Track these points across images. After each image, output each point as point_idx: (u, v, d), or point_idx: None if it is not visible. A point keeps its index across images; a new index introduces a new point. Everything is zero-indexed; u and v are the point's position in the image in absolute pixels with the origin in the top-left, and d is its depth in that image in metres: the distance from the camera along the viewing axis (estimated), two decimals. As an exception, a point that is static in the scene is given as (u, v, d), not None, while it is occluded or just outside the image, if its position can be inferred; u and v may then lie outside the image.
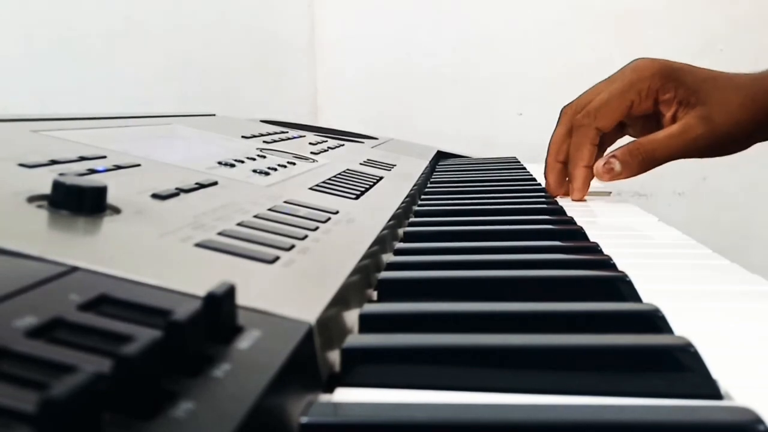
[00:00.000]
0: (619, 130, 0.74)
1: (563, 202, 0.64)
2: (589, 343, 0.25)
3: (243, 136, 0.73)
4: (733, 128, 0.67)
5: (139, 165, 0.42)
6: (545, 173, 0.72)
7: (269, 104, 1.31)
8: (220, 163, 0.51)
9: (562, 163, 0.71)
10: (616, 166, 0.66)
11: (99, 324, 0.19)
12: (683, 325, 0.28)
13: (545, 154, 0.72)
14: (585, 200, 0.69)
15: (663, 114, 0.69)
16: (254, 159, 0.57)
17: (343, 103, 1.46)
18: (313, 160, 0.67)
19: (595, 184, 0.70)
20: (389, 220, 0.47)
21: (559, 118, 0.72)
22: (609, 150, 0.70)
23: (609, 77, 0.70)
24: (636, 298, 0.34)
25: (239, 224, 0.33)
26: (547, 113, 1.33)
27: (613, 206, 0.68)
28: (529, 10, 1.40)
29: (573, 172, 0.70)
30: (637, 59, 0.70)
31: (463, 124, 1.42)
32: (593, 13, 1.37)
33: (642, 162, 0.66)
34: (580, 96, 0.71)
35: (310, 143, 0.82)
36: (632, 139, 0.70)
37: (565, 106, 0.72)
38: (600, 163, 0.67)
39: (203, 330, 0.19)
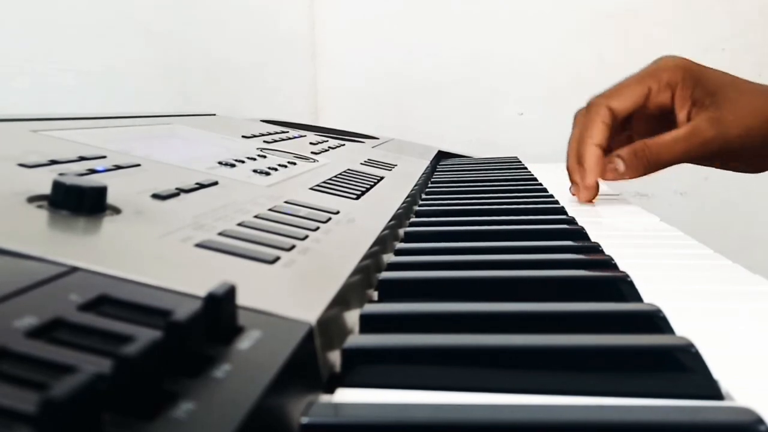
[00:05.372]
0: (627, 140, 0.70)
1: (564, 202, 0.64)
2: (590, 344, 0.25)
3: (243, 136, 0.73)
4: (744, 135, 0.64)
5: (139, 165, 0.42)
6: (570, 178, 0.69)
7: (269, 104, 1.31)
8: (220, 163, 0.51)
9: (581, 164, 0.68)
10: (620, 166, 0.65)
11: (99, 324, 0.19)
12: (684, 326, 0.28)
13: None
14: (593, 203, 0.67)
15: (677, 113, 0.67)
16: (255, 159, 0.57)
17: (344, 103, 1.46)
18: (314, 160, 0.67)
19: (602, 188, 0.69)
20: (390, 220, 0.47)
21: (573, 121, 0.69)
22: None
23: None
24: (637, 298, 0.34)
25: (240, 224, 0.33)
26: (548, 113, 1.34)
27: (615, 206, 0.68)
28: (530, 10, 1.40)
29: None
30: (662, 56, 0.68)
31: (463, 124, 1.42)
32: (595, 13, 1.37)
33: (647, 164, 0.64)
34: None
35: (310, 143, 0.82)
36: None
37: (578, 110, 0.69)
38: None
39: (203, 330, 0.19)
